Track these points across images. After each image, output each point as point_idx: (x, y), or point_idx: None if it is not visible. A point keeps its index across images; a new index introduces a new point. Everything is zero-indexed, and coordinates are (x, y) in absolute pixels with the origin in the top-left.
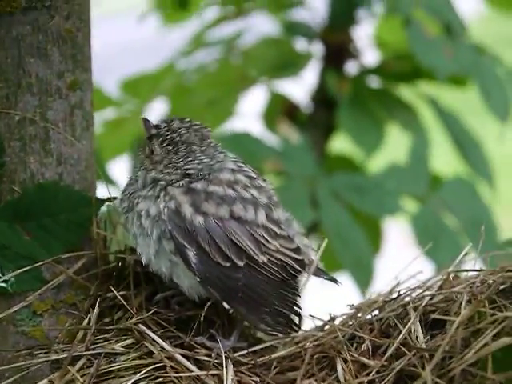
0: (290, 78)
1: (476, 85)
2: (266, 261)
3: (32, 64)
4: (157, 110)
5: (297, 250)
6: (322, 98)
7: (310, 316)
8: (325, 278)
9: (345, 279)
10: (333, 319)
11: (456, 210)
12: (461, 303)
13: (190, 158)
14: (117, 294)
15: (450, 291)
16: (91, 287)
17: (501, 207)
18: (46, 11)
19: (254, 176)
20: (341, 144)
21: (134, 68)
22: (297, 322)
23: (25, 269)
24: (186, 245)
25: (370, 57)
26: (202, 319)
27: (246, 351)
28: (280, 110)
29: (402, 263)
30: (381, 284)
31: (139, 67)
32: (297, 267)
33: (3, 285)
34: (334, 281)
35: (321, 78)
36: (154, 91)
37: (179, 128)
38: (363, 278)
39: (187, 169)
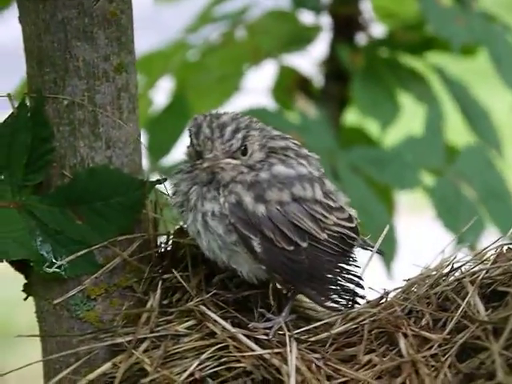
0: (300, 52)
1: (487, 53)
2: (326, 237)
3: (79, 48)
4: (165, 88)
5: (349, 219)
6: (334, 70)
7: (369, 288)
8: (371, 250)
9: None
10: (387, 294)
11: (472, 180)
12: None
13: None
14: (177, 276)
15: (508, 264)
16: (145, 269)
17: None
18: None
19: (299, 144)
20: (354, 117)
21: None
22: (360, 294)
23: (80, 253)
24: (251, 236)
25: (377, 29)
26: (259, 300)
27: (303, 328)
28: (291, 84)
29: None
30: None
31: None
32: (353, 235)
33: (57, 270)
34: (381, 253)
35: (331, 50)
36: (164, 69)
37: (237, 114)
38: (388, 251)
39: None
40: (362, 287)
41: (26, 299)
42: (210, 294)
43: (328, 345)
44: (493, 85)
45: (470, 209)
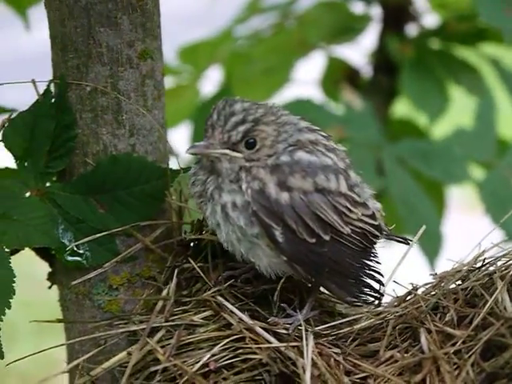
0: (349, 43)
1: None
2: (349, 231)
3: (102, 33)
4: (212, 78)
5: (373, 216)
6: (383, 62)
7: (395, 282)
8: (396, 240)
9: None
10: (415, 289)
11: None
12: None
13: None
14: (195, 266)
15: None
16: (168, 258)
17: None
18: None
19: (327, 136)
20: (404, 109)
21: (183, 37)
22: (380, 290)
23: (96, 236)
24: (273, 224)
25: (429, 19)
26: (277, 294)
27: (327, 325)
28: (339, 75)
29: (465, 229)
30: (453, 252)
31: (188, 37)
32: (376, 233)
33: (78, 258)
34: (406, 241)
35: (381, 41)
36: (210, 59)
37: (253, 106)
38: (431, 247)
39: (284, 139)
40: (382, 284)
41: (50, 287)
42: (228, 284)
43: (350, 340)
44: None
45: None
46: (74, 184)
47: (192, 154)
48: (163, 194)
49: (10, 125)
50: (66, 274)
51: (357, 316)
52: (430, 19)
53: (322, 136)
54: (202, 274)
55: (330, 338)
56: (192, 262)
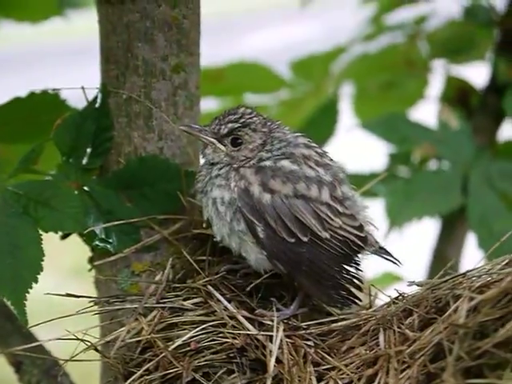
0: (470, 63)
1: None
2: (328, 237)
3: (139, 48)
4: (327, 93)
5: (359, 228)
6: (493, 83)
7: (374, 287)
8: (384, 258)
9: None
10: (401, 295)
11: None
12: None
13: (268, 139)
14: (189, 258)
15: (499, 272)
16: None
17: None
18: (153, 0)
19: (322, 153)
20: None
21: None
22: (358, 295)
23: (115, 224)
24: (255, 221)
25: None
26: (262, 287)
27: (312, 322)
28: (454, 94)
29: None
30: None
31: None
32: (359, 243)
33: (106, 245)
34: (394, 261)
35: (493, 63)
36: (324, 73)
37: (251, 114)
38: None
39: (269, 150)
40: (360, 289)
41: (90, 270)
42: (218, 275)
43: (331, 336)
44: None
45: None
46: (107, 180)
47: (182, 130)
48: (183, 193)
49: (63, 124)
50: (99, 259)
51: (342, 316)
52: None
53: (317, 152)
54: (195, 266)
55: (310, 333)
56: (185, 253)
